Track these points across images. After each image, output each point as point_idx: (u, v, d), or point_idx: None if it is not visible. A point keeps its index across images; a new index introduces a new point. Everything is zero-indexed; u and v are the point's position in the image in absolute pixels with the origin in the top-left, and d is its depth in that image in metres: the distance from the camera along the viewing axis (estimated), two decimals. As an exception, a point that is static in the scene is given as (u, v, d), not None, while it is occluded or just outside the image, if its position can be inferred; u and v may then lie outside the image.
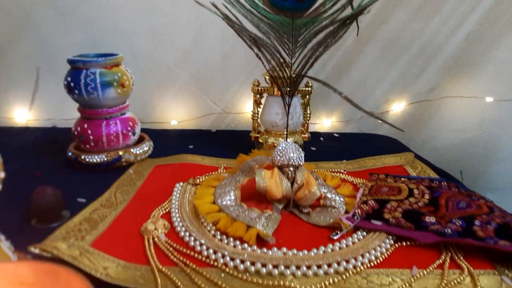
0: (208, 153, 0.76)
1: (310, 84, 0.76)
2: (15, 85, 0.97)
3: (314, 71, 0.95)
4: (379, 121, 1.03)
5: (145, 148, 0.71)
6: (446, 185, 0.58)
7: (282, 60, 0.67)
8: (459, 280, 0.39)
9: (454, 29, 0.94)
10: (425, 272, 0.40)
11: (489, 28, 0.93)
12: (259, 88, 0.75)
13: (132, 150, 0.68)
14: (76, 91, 0.63)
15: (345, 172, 0.68)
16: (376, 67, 0.97)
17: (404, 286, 0.38)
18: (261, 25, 0.64)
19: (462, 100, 0.99)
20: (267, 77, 0.73)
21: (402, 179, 0.61)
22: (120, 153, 0.67)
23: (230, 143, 0.85)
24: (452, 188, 0.57)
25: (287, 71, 0.68)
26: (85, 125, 0.66)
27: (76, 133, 0.67)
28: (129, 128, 0.68)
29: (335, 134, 0.96)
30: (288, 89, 0.69)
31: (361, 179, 0.65)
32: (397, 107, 1.00)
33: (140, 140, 0.73)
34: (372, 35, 0.94)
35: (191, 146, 0.81)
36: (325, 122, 1.00)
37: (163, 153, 0.74)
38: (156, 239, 0.45)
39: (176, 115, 0.98)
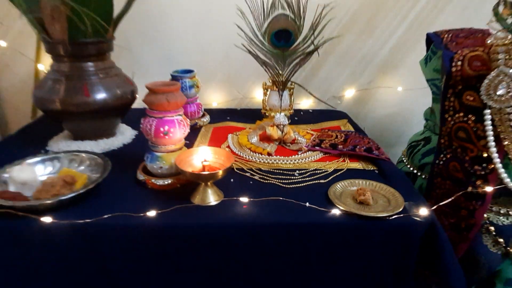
0: (238, 121, 1.41)
1: (293, 84, 1.40)
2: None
3: (298, 73, 1.59)
4: (339, 101, 1.68)
5: (207, 119, 1.37)
6: (355, 134, 1.24)
7: (277, 72, 1.31)
8: (341, 164, 1.05)
9: (383, 44, 1.57)
10: (331, 164, 1.06)
11: (404, 43, 1.56)
12: (266, 86, 1.40)
13: (201, 119, 1.34)
14: (176, 90, 1.27)
15: (310, 130, 1.33)
16: (335, 68, 1.60)
17: (321, 167, 1.04)
18: (267, 54, 1.27)
19: (387, 89, 1.63)
20: (270, 80, 1.37)
21: (336, 131, 1.27)
22: (196, 121, 1.32)
23: (250, 115, 1.50)
24: (357, 134, 1.23)
25: (280, 78, 1.32)
26: (179, 107, 1.30)
27: (174, 111, 1.32)
28: (199, 108, 1.33)
29: (310, 110, 1.60)
30: (281, 86, 1.33)
31: (317, 133, 1.30)
32: (349, 93, 1.64)
33: (203, 114, 1.38)
34: (332, 50, 1.56)
35: (228, 118, 1.46)
36: (306, 102, 1.65)
37: (215, 121, 1.39)
38: (226, 154, 1.11)
39: (216, 99, 1.63)
